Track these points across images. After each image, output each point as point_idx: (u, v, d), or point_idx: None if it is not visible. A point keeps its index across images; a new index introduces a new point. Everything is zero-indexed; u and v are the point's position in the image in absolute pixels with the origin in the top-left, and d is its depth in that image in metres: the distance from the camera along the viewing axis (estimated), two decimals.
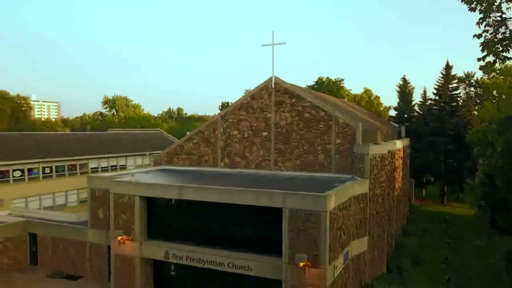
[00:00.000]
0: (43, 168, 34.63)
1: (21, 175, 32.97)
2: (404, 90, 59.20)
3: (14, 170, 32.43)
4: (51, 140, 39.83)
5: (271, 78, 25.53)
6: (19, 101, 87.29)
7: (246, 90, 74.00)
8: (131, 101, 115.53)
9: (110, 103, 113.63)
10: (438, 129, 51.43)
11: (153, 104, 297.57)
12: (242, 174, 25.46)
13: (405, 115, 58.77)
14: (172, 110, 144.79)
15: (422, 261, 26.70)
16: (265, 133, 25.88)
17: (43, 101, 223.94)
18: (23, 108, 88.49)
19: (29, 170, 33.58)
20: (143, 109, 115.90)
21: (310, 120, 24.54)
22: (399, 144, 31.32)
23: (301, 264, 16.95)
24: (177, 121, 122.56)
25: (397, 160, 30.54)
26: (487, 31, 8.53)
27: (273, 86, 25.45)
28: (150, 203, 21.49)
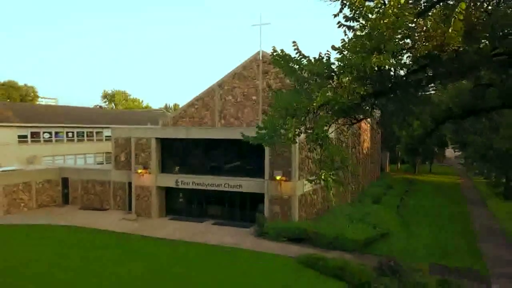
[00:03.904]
0: (67, 133, 40.64)
1: (49, 137, 38.94)
2: None
3: (44, 132, 38.40)
4: (72, 112, 46.09)
5: (259, 51, 31.60)
6: (26, 91, 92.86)
7: None
8: (130, 95, 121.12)
9: (109, 97, 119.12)
10: None
11: (152, 102, 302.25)
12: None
13: None
14: (168, 105, 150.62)
15: (381, 200, 32.92)
16: (254, 97, 31.92)
17: (41, 98, 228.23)
18: (30, 98, 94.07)
19: (56, 133, 39.58)
20: (142, 101, 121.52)
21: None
22: None
23: (278, 178, 23.10)
24: None
25: (364, 123, 36.80)
26: None
27: (260, 58, 31.53)
28: (163, 143, 27.52)
